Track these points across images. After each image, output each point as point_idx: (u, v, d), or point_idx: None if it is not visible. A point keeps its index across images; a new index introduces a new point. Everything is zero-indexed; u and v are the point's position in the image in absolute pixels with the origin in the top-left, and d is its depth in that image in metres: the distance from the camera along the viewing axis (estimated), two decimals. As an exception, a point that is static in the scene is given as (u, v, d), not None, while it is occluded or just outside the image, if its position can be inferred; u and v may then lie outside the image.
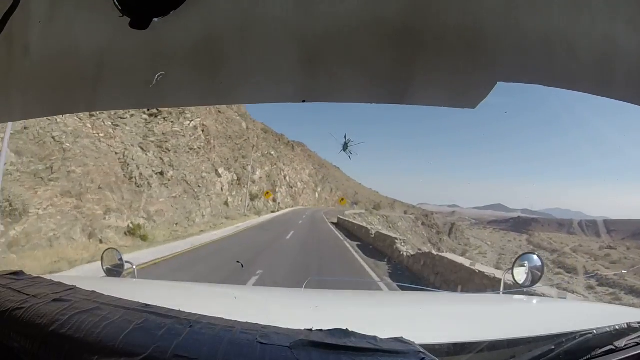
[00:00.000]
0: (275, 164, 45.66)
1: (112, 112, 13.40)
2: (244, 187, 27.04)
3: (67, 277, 0.82)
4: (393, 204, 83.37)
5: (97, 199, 10.89)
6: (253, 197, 28.85)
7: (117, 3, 0.53)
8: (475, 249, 55.28)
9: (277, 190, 40.51)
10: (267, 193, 29.10)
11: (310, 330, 0.45)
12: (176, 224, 14.91)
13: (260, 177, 36.45)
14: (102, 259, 1.71)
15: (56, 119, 10.47)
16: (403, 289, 4.26)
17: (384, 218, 46.52)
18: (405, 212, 66.36)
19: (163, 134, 17.23)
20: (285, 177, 49.33)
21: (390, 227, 40.53)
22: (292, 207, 46.26)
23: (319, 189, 70.24)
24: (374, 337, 0.43)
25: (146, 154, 15.18)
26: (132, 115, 15.49)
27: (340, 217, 25.41)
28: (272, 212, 31.34)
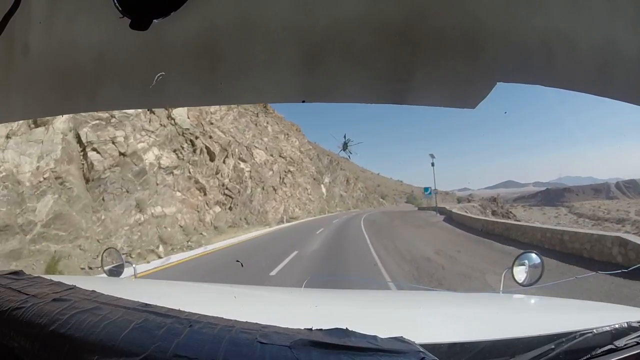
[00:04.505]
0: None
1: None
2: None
3: (67, 276, 0.82)
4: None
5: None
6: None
7: (117, 4, 0.53)
8: (532, 234, 44.61)
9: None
10: None
11: (310, 329, 0.45)
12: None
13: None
14: (102, 259, 1.71)
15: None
16: (403, 288, 4.25)
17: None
18: (459, 201, 49.19)
19: None
20: (205, 134, 14.71)
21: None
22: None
23: (325, 180, 39.57)
24: (374, 337, 0.43)
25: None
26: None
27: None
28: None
